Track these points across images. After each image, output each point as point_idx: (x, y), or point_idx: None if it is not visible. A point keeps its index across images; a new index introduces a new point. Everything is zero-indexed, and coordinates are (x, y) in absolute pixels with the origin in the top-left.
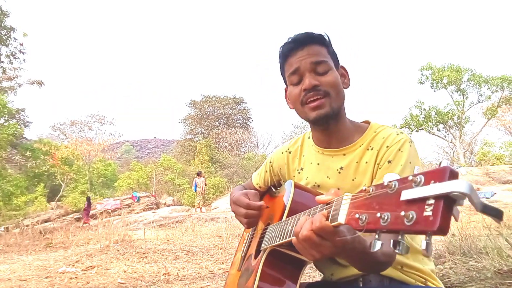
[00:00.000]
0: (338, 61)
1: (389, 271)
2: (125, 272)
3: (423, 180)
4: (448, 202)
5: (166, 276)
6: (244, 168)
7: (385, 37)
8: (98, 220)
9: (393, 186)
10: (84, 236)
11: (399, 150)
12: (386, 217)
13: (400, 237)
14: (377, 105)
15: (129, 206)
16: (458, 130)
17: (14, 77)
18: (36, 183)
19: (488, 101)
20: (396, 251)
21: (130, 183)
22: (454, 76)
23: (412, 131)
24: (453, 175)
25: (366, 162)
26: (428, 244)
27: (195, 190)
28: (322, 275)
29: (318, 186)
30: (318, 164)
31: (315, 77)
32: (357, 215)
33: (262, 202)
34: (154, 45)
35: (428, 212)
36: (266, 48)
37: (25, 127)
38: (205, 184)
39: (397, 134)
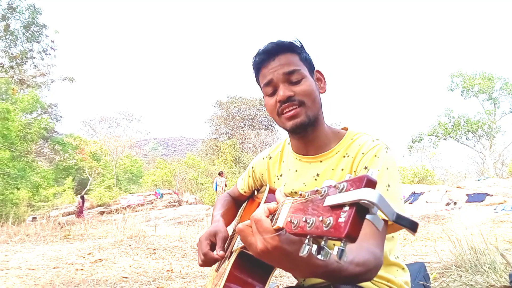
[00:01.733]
0: (313, 65)
1: None
2: (130, 266)
3: (345, 186)
4: (360, 210)
5: (169, 273)
6: None
7: (416, 41)
8: (120, 215)
9: (323, 192)
10: (103, 229)
11: (375, 156)
12: (311, 222)
13: (323, 242)
14: (405, 112)
15: (152, 203)
16: (488, 140)
17: (46, 73)
18: (65, 176)
19: None
20: (319, 256)
21: (154, 180)
22: (486, 84)
23: (439, 139)
24: (371, 183)
25: (342, 170)
26: (340, 251)
27: (216, 190)
28: (296, 281)
29: (296, 192)
30: (296, 171)
31: (289, 87)
32: (289, 219)
33: (219, 255)
34: (183, 44)
35: (342, 218)
36: None
37: (57, 121)
38: (225, 185)
39: (373, 141)
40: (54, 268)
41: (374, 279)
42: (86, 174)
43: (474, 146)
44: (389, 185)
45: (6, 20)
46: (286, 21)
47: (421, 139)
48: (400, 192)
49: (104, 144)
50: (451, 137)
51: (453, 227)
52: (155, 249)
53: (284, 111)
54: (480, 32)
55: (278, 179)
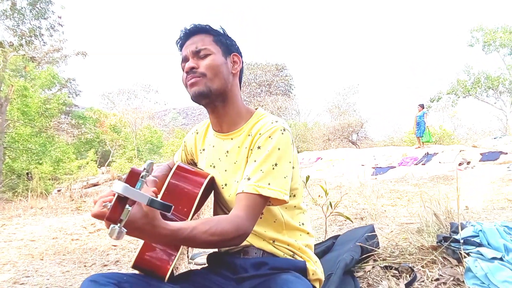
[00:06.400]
0: (231, 49)
1: (263, 245)
2: None
3: (126, 175)
4: (119, 199)
5: None
6: None
7: None
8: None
9: (123, 177)
10: None
11: (269, 137)
12: (108, 205)
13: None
14: (422, 71)
15: None
16: (510, 96)
17: (60, 49)
18: (87, 149)
19: None
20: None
21: (174, 150)
22: (507, 37)
23: (458, 97)
24: (134, 175)
25: (246, 148)
26: (111, 230)
27: None
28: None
29: (214, 167)
30: (214, 146)
31: (195, 61)
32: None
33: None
34: (198, 12)
35: (110, 204)
36: (308, 14)
37: (76, 95)
38: None
39: (272, 123)
40: (53, 238)
41: (275, 243)
42: (107, 146)
43: (495, 103)
44: (276, 164)
45: None
46: None
47: (440, 98)
48: (287, 171)
49: (124, 116)
50: (470, 95)
51: (462, 187)
52: None
53: (188, 82)
54: None
55: (201, 153)
